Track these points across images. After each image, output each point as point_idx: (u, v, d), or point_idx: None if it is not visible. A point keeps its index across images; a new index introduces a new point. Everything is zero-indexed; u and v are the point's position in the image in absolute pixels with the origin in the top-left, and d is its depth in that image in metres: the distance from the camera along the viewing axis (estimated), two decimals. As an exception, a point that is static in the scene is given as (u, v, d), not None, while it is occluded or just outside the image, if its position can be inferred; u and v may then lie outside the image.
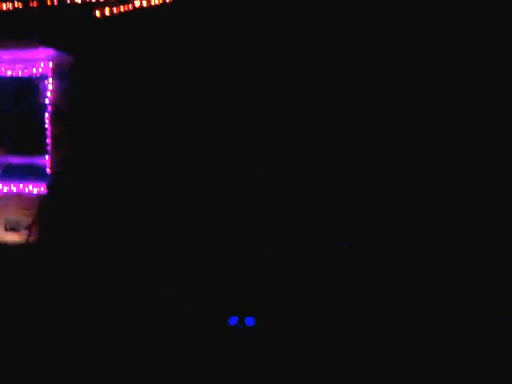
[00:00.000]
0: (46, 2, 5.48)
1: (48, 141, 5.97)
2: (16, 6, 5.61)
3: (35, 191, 5.97)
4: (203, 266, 5.23)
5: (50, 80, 5.85)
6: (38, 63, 5.91)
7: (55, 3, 5.45)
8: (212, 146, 5.42)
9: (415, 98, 4.83)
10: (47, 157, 5.96)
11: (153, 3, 5.18)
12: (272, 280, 5.02)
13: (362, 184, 4.97)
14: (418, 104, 4.82)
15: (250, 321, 4.67)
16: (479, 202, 4.57)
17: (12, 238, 5.91)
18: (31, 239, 5.85)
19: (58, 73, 5.82)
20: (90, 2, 5.34)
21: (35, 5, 5.51)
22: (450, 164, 4.70)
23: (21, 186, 6.00)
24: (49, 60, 5.83)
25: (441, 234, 4.65)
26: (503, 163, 4.56)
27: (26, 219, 5.92)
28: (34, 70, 5.96)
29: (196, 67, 5.37)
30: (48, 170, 5.98)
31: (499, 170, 4.56)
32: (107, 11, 5.22)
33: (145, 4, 5.16)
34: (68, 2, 5.47)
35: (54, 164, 5.92)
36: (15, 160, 6.20)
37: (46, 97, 5.91)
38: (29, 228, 5.89)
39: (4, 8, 5.65)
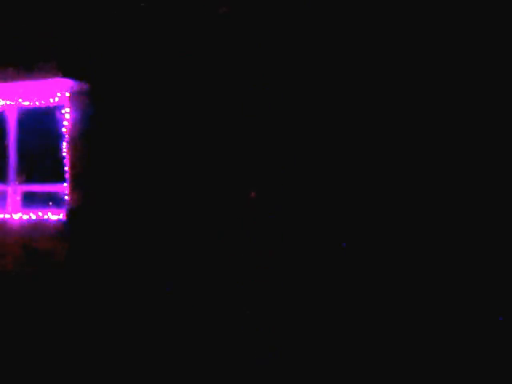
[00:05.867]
0: (63, 33, 5.64)
1: (66, 169, 6.08)
2: (32, 37, 5.77)
3: (55, 218, 6.07)
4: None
5: (67, 109, 5.99)
6: (55, 93, 6.07)
7: (72, 33, 5.62)
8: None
9: (415, 99, 4.79)
10: (65, 184, 6.07)
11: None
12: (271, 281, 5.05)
13: (362, 184, 4.93)
14: (418, 105, 4.78)
15: None
16: (479, 202, 4.55)
17: (32, 264, 6.01)
18: (51, 266, 5.93)
19: (75, 102, 5.95)
20: (108, 30, 5.52)
21: (51, 35, 5.67)
22: (450, 164, 4.68)
23: (40, 213, 6.11)
24: (66, 89, 5.98)
25: (441, 234, 4.64)
26: (503, 163, 4.54)
27: (45, 246, 6.01)
28: (51, 100, 6.12)
29: (213, 96, 5.45)
30: (66, 198, 6.08)
31: (499, 170, 4.53)
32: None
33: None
34: (85, 31, 5.64)
35: (72, 191, 6.02)
36: (35, 188, 6.33)
37: (63, 126, 6.04)
38: (48, 255, 5.97)
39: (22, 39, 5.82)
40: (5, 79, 6.00)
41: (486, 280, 4.40)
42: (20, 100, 6.23)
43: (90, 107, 5.86)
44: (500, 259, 4.39)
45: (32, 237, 6.08)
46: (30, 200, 6.38)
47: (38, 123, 6.32)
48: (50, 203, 6.25)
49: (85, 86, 5.83)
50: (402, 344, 4.42)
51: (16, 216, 6.19)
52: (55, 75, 5.78)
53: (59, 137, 6.15)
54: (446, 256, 4.54)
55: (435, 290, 4.51)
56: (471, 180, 4.56)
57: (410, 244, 4.67)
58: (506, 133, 4.48)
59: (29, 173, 6.40)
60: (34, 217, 6.12)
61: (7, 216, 6.22)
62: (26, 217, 6.14)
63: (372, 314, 4.62)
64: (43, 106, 6.24)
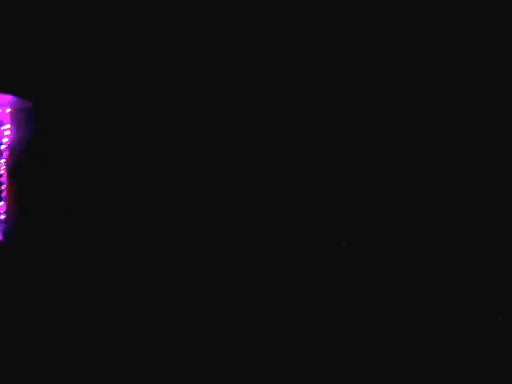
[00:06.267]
0: (4, 48, 5.47)
1: (2, 187, 5.86)
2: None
3: None
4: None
5: (7, 126, 5.78)
6: (-5, 109, 5.88)
7: (13, 47, 5.46)
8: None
9: (415, 99, 4.83)
10: (1, 203, 5.85)
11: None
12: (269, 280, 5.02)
13: (362, 184, 4.96)
14: (418, 105, 4.82)
15: None
16: (479, 202, 4.58)
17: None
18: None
19: (15, 118, 5.76)
20: (51, 46, 5.39)
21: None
22: (450, 164, 4.71)
23: (-26, 233, 5.86)
24: (6, 106, 5.78)
25: (441, 234, 4.66)
26: (503, 163, 4.57)
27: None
28: (-9, 116, 5.91)
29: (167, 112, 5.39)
30: (2, 217, 5.85)
31: (499, 170, 4.56)
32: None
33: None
34: (27, 47, 5.49)
35: (10, 211, 5.80)
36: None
37: (2, 143, 5.83)
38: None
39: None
40: None
41: (486, 280, 4.41)
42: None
43: (32, 124, 5.68)
44: (500, 259, 4.41)
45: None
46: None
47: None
48: (-14, 223, 5.99)
49: (27, 103, 5.66)
50: (401, 344, 4.42)
51: None
52: (-5, 91, 5.60)
53: (-3, 154, 5.93)
54: (446, 256, 4.55)
55: (435, 290, 4.52)
56: (471, 180, 4.60)
57: (409, 244, 4.68)
58: (506, 133, 4.55)
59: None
60: (-33, 237, 5.86)
61: None
62: (-42, 236, 5.87)
63: (372, 314, 4.63)
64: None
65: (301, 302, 4.91)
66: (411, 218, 4.74)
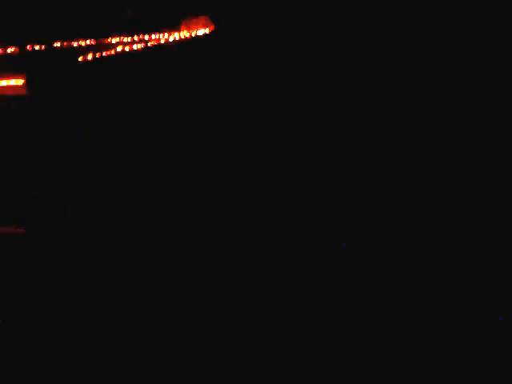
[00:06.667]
0: (26, 49, 5.56)
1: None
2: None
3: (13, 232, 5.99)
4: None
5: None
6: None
7: (35, 50, 5.55)
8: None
9: (415, 100, 4.88)
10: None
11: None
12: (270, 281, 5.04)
13: (362, 184, 5.01)
14: (418, 105, 4.86)
15: None
16: (479, 202, 4.61)
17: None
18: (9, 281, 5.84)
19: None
20: (71, 47, 5.47)
21: (15, 51, 5.59)
22: (450, 164, 4.76)
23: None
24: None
25: (440, 234, 4.71)
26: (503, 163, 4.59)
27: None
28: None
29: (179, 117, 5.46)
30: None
31: (499, 170, 4.59)
32: (90, 57, 5.34)
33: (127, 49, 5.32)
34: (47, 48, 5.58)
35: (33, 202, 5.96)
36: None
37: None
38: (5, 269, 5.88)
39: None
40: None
41: (486, 280, 4.43)
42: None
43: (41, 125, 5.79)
44: (500, 259, 4.45)
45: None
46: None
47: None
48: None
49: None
50: (401, 344, 4.38)
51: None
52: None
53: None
54: (446, 256, 4.59)
55: (435, 290, 4.55)
56: (471, 180, 4.63)
57: (409, 244, 4.73)
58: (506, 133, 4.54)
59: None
60: (-8, 229, 6.01)
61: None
62: (-16, 229, 6.02)
63: (372, 314, 4.61)
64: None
65: (301, 302, 4.92)
66: (411, 217, 4.78)
